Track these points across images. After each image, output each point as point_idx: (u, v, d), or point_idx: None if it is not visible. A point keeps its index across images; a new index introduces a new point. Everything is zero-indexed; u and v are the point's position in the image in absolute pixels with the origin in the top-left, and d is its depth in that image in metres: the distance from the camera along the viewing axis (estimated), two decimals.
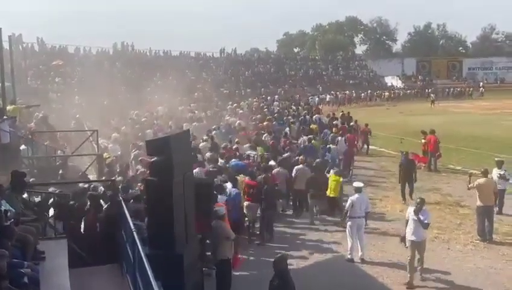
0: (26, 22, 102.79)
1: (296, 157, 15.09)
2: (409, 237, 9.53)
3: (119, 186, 10.08)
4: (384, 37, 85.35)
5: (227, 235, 8.89)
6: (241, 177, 12.27)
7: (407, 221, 9.64)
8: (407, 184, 15.03)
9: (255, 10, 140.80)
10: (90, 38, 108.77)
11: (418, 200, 9.70)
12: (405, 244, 9.68)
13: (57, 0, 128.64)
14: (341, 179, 13.65)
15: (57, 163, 13.20)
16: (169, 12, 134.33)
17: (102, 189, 9.82)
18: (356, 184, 11.26)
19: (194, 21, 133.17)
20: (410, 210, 9.61)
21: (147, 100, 31.83)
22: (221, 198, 10.41)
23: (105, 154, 14.06)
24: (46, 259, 6.58)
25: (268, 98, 41.94)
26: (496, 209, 12.72)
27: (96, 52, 51.11)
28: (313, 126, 22.93)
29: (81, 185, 10.39)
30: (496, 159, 14.28)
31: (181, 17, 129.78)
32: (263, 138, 18.70)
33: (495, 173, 13.42)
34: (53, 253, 6.83)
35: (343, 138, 19.49)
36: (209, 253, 9.55)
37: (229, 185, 11.38)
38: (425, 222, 9.38)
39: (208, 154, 14.88)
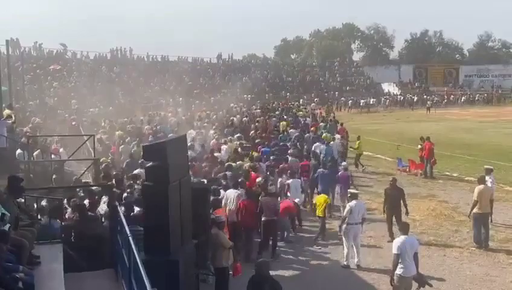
0: (23, 26, 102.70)
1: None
2: (400, 271, 8.17)
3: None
4: (381, 44, 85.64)
5: (224, 243, 8.87)
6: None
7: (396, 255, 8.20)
8: (394, 217, 12.11)
9: (253, 17, 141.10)
10: (88, 43, 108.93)
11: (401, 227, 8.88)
12: (392, 282, 8.35)
13: (54, 5, 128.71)
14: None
15: (53, 168, 13.16)
16: (167, 18, 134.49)
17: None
18: (352, 191, 11.25)
19: (192, 26, 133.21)
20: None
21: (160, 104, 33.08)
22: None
23: (102, 159, 14.01)
24: (41, 264, 6.55)
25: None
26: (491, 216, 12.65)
27: (94, 57, 51.16)
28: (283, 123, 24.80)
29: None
30: (485, 166, 14.17)
31: (178, 23, 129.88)
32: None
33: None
34: (48, 258, 6.80)
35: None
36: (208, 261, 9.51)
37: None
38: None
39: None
